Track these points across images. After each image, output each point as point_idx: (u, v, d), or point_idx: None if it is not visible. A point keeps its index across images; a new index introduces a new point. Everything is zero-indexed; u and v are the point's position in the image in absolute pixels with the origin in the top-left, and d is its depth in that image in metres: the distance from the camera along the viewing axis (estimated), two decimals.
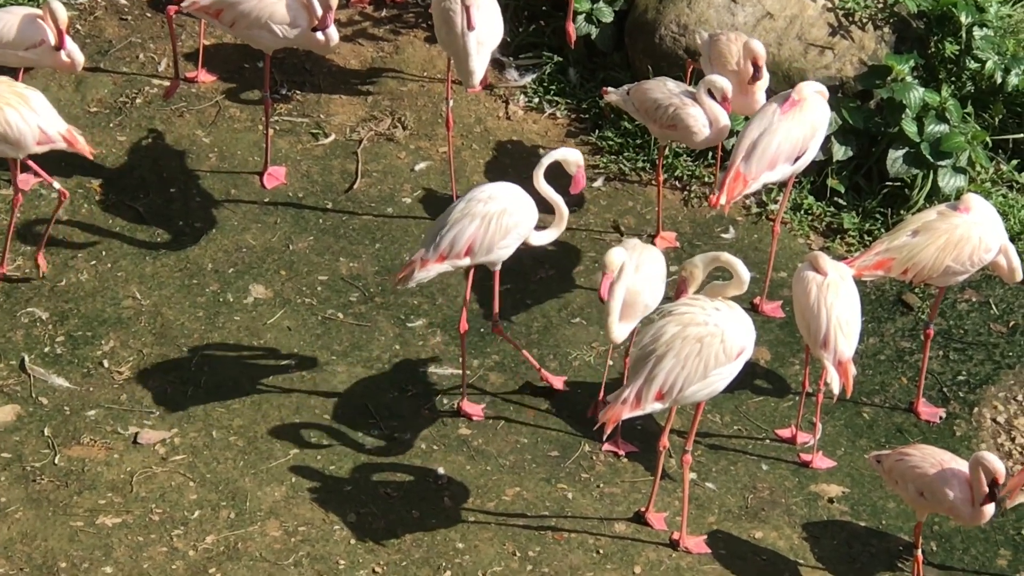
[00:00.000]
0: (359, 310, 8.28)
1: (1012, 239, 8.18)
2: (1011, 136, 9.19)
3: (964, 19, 9.07)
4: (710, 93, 8.21)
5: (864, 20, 9.20)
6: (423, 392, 7.94)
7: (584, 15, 9.40)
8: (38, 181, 8.39)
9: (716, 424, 7.92)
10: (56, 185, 8.08)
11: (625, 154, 9.17)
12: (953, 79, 9.17)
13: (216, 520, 7.32)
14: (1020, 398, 8.13)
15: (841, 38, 9.15)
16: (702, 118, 8.24)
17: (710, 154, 9.13)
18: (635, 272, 7.31)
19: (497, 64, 9.49)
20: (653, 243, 8.63)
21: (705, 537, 7.42)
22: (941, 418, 8.03)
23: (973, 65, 9.14)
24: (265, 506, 7.39)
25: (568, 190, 7.60)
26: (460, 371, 7.92)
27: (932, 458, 7.03)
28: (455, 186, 8.83)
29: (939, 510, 7.05)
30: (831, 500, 7.66)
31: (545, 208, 7.60)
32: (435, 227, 7.48)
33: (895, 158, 8.83)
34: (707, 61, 8.54)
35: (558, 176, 7.60)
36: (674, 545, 7.37)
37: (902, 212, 8.84)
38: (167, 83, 9.19)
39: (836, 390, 7.28)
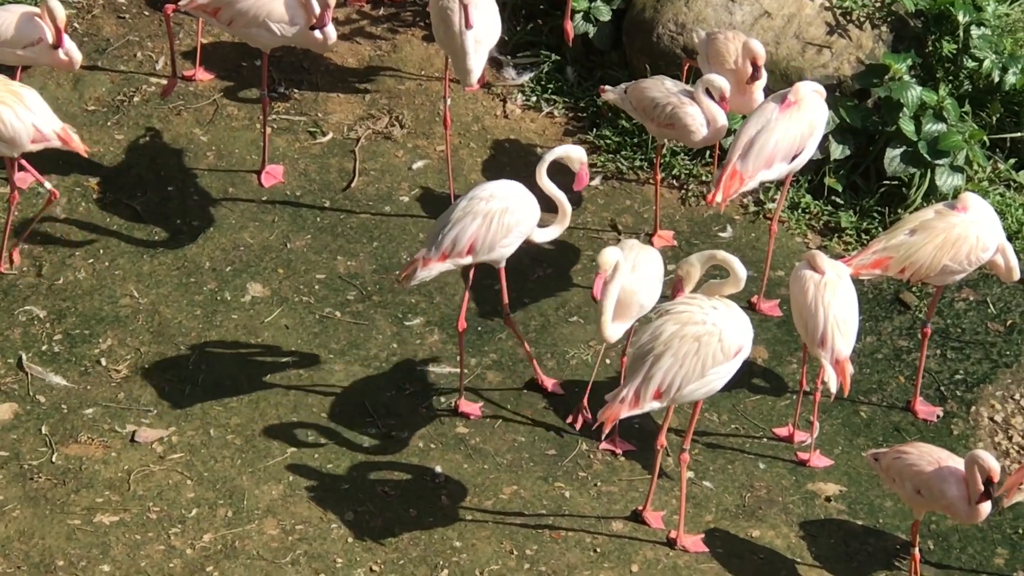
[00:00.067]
0: (357, 308, 8.28)
1: (1009, 238, 8.19)
2: (1008, 135, 9.20)
3: (962, 18, 9.07)
4: (708, 92, 8.21)
5: (862, 19, 9.21)
6: (421, 390, 7.94)
7: (582, 13, 9.40)
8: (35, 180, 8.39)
9: (714, 423, 7.93)
10: (47, 185, 8.08)
11: (623, 153, 9.18)
12: (951, 78, 9.17)
13: (213, 518, 7.32)
14: (1017, 397, 8.14)
15: (839, 37, 9.15)
16: (700, 117, 8.24)
17: (708, 153, 9.13)
18: (631, 272, 7.31)
19: (495, 63, 9.49)
20: (651, 242, 8.64)
21: (702, 536, 7.42)
22: (938, 417, 8.03)
23: (971, 64, 9.14)
24: (263, 504, 7.39)
25: (571, 187, 7.60)
26: (458, 370, 7.92)
27: (929, 456, 7.03)
28: (453, 185, 8.83)
29: (936, 508, 7.05)
30: (828, 499, 7.66)
31: (546, 206, 7.60)
32: (437, 226, 7.47)
33: (892, 157, 8.84)
34: (705, 60, 8.55)
35: (560, 173, 7.60)
36: (671, 544, 7.37)
37: (899, 211, 8.84)
38: (165, 81, 9.19)
39: (834, 389, 7.28)
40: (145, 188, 8.76)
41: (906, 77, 8.88)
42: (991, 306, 8.56)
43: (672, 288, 7.29)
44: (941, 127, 8.82)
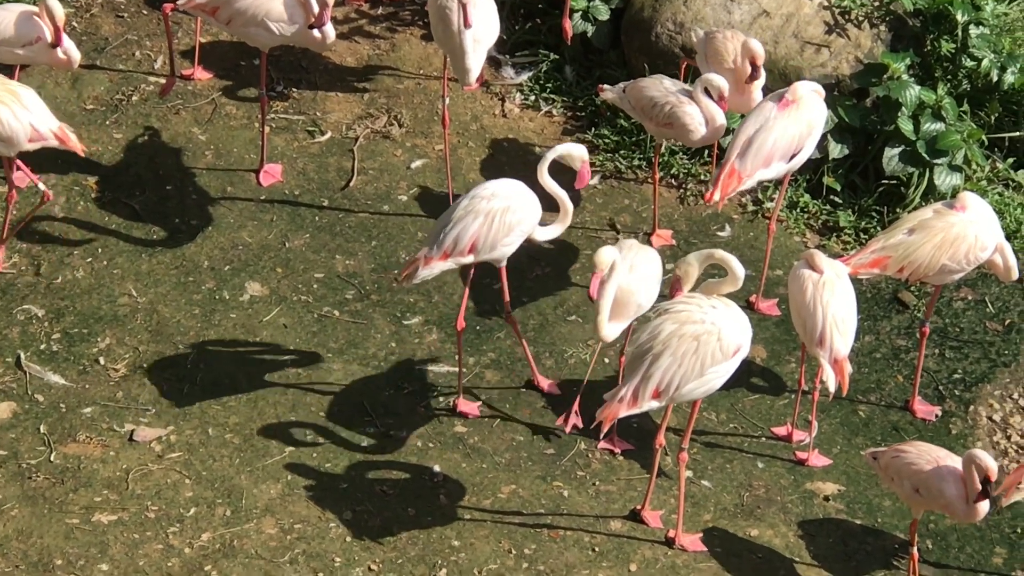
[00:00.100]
0: (355, 308, 8.28)
1: (1008, 237, 8.19)
2: (1007, 134, 9.20)
3: (960, 17, 9.07)
4: (707, 91, 8.21)
5: (860, 18, 9.21)
6: (419, 390, 7.94)
7: (580, 13, 9.40)
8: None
9: (712, 422, 7.92)
10: (41, 186, 8.07)
11: (621, 152, 9.17)
12: (949, 77, 9.17)
13: (212, 517, 7.32)
14: (1015, 396, 8.14)
15: (837, 36, 9.15)
16: (698, 116, 8.24)
17: (706, 152, 9.13)
18: (629, 272, 7.31)
19: (493, 62, 9.49)
20: (649, 241, 8.64)
21: (701, 535, 7.42)
22: (937, 416, 8.03)
23: (969, 63, 9.15)
24: (261, 503, 7.39)
25: (572, 185, 7.60)
26: (456, 369, 7.92)
27: (928, 455, 7.03)
28: (451, 184, 8.83)
29: (935, 507, 7.05)
30: (827, 498, 7.66)
31: (547, 204, 7.59)
32: (438, 225, 7.47)
33: (891, 156, 8.84)
34: (703, 59, 8.54)
35: (560, 171, 7.60)
36: (670, 543, 7.37)
37: (898, 210, 8.84)
38: (163, 80, 9.19)
39: (832, 388, 7.28)
40: (143, 187, 8.76)
41: (905, 76, 8.88)
42: (989, 305, 8.56)
43: (670, 287, 7.28)
44: (940, 126, 8.82)
